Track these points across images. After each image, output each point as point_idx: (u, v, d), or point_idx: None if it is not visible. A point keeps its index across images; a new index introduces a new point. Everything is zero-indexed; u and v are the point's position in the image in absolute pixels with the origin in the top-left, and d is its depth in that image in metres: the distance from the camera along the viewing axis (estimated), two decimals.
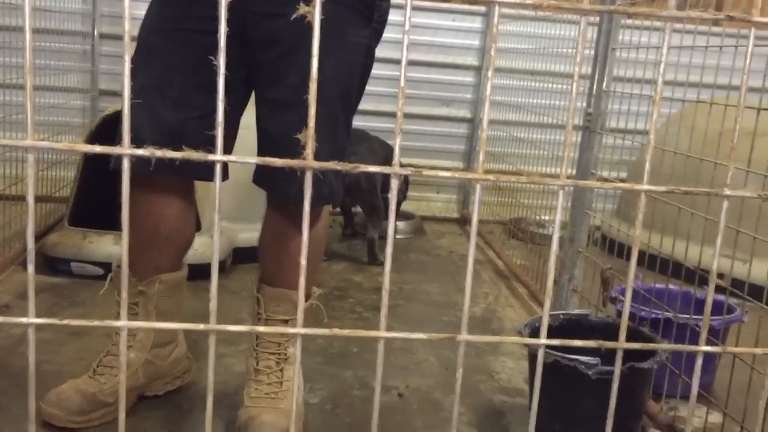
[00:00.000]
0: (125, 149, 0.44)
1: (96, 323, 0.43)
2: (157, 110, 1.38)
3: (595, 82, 2.00)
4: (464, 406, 1.71)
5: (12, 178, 2.41)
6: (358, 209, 3.22)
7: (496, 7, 0.51)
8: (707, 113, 1.70)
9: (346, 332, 0.52)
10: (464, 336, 0.52)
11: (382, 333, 0.49)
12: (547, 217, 3.21)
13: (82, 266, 2.34)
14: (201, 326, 0.46)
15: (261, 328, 0.51)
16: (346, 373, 1.84)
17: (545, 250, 2.55)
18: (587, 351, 1.51)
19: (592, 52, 2.02)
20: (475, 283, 2.71)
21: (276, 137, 1.40)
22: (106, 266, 2.26)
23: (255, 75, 1.45)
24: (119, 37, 1.88)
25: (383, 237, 3.25)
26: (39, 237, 2.57)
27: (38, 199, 2.80)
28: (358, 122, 3.51)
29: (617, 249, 1.98)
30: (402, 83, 0.50)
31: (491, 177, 0.50)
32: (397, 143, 0.49)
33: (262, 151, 1.46)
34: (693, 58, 1.73)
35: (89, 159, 2.46)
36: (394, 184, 0.50)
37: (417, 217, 3.49)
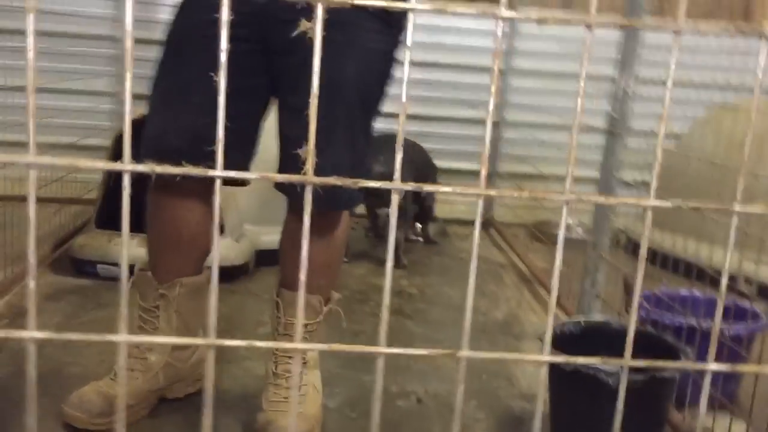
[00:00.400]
0: (126, 165, 0.44)
1: (94, 338, 0.44)
2: (180, 115, 1.40)
3: (619, 84, 1.97)
4: (483, 412, 1.71)
5: (41, 179, 2.45)
6: (383, 210, 3.22)
7: (500, 22, 0.50)
8: (734, 116, 1.68)
9: (345, 347, 0.52)
10: (465, 352, 0.52)
11: (382, 349, 0.49)
12: (571, 221, 3.19)
13: (108, 268, 2.37)
14: (200, 341, 0.46)
15: (259, 343, 0.51)
16: (365, 378, 1.84)
17: (569, 255, 2.53)
18: (599, 355, 1.49)
19: (618, 54, 2.00)
20: (497, 287, 2.69)
21: (296, 142, 1.41)
22: (132, 269, 2.29)
23: (277, 81, 1.46)
24: (147, 41, 1.90)
25: (412, 239, 3.28)
26: (67, 239, 2.61)
27: (67, 201, 2.84)
28: (380, 124, 3.51)
29: (655, 256, 1.95)
30: (404, 98, 0.50)
31: (493, 192, 0.50)
32: (397, 159, 0.49)
33: (283, 157, 1.46)
34: (719, 60, 1.71)
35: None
36: (395, 200, 0.50)
37: (440, 219, 3.48)
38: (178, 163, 1.45)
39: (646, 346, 1.63)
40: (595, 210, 2.08)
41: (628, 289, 1.90)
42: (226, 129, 1.52)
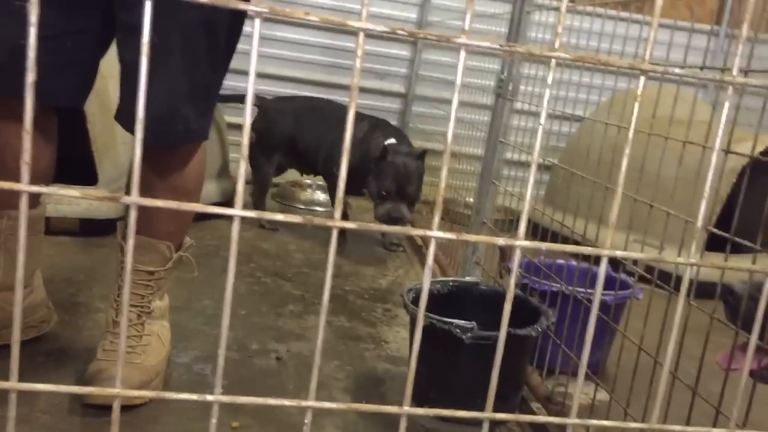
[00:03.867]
0: None
1: None
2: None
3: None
4: (344, 373, 1.63)
5: None
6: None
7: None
8: (627, 101, 1.64)
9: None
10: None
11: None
12: (472, 200, 3.15)
13: None
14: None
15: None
16: (219, 332, 1.74)
17: (461, 229, 2.50)
18: (466, 315, 1.44)
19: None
20: (388, 258, 2.63)
21: (128, 65, 1.27)
22: None
23: None
24: None
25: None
26: None
27: None
28: (288, 90, 3.39)
29: (545, 234, 1.90)
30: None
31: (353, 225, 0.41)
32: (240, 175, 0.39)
33: (120, 85, 1.33)
34: (626, 47, 1.67)
35: None
36: (234, 229, 0.40)
37: None
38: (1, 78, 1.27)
39: (513, 306, 1.58)
40: (480, 177, 2.04)
41: (503, 256, 1.86)
42: (59, 45, 1.37)
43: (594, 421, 0.47)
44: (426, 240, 2.79)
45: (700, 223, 0.46)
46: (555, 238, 2.57)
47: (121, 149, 2.45)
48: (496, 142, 1.96)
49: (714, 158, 0.45)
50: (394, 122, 3.67)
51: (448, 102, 3.19)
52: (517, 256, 0.49)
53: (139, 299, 1.45)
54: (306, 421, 0.48)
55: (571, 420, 0.48)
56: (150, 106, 1.46)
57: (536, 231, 2.85)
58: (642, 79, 0.44)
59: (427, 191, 3.39)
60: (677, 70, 0.44)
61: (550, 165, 3.20)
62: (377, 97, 3.62)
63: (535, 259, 1.91)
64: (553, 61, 0.43)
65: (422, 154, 2.54)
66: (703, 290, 1.30)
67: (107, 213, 2.30)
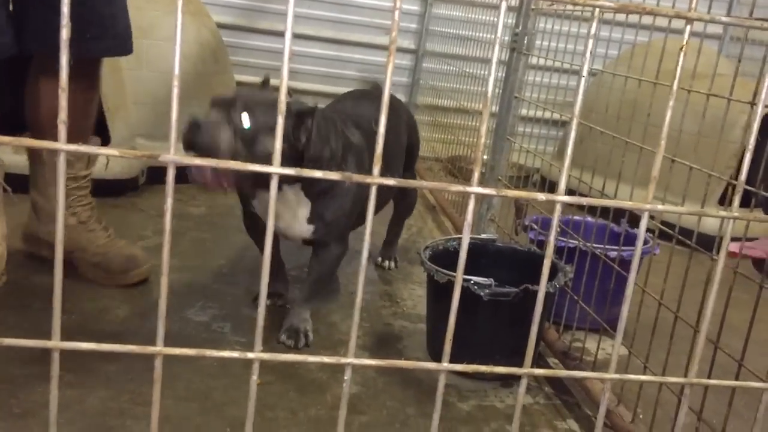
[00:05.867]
0: None
1: None
2: None
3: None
4: (362, 330, 1.64)
5: None
6: None
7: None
8: (648, 54, 1.61)
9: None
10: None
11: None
12: (486, 157, 3.13)
13: None
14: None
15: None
16: (236, 291, 1.75)
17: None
18: (483, 271, 1.44)
19: None
20: None
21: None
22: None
23: None
24: None
25: None
26: None
27: None
28: (299, 47, 3.34)
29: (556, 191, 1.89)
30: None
31: (393, 182, 0.39)
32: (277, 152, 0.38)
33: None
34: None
35: None
36: (273, 187, 0.39)
37: None
38: None
39: (529, 263, 1.59)
40: (494, 133, 2.02)
41: (518, 213, 1.85)
42: None
43: (632, 376, 0.47)
44: (439, 198, 2.78)
45: (744, 176, 0.45)
46: (571, 194, 2.56)
47: (132, 109, 2.44)
48: (510, 97, 1.94)
49: (760, 110, 0.44)
50: (404, 79, 3.64)
51: (459, 57, 3.15)
52: (557, 212, 0.48)
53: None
54: (345, 377, 0.48)
55: (609, 375, 0.48)
56: (112, 24, 1.45)
57: (552, 187, 2.83)
58: (687, 28, 0.42)
59: (439, 148, 3.37)
60: (724, 19, 0.42)
61: (566, 120, 3.17)
62: (387, 53, 3.57)
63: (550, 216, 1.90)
64: (597, 9, 0.42)
65: (312, 110, 1.44)
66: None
67: (120, 173, 2.30)
